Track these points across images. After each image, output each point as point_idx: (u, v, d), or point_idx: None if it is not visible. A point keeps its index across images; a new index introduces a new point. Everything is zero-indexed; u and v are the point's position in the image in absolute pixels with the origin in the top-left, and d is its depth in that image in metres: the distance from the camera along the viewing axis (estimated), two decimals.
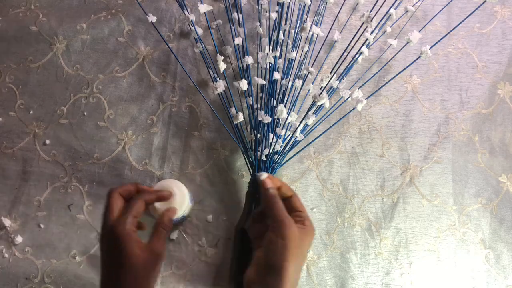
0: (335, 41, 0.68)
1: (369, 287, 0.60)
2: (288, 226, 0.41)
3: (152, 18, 0.58)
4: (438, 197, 0.63)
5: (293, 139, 0.56)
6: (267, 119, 0.49)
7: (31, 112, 0.68)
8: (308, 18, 0.65)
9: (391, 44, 0.60)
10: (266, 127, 0.54)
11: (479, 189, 0.63)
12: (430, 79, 0.68)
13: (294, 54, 0.60)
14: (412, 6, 0.67)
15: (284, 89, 0.58)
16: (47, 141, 0.66)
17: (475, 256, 0.61)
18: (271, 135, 0.54)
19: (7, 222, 0.62)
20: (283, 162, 0.59)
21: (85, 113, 0.67)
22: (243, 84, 0.52)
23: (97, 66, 0.70)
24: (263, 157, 0.54)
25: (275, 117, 0.53)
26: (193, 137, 0.66)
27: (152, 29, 0.71)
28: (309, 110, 0.57)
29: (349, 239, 0.61)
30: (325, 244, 0.61)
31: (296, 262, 0.40)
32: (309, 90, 0.63)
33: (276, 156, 0.55)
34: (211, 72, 0.63)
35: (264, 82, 0.55)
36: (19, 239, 0.62)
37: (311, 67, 0.59)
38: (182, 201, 0.55)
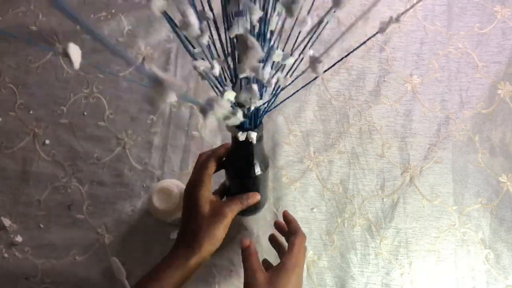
0: None
1: (369, 287, 0.59)
2: (249, 277, 0.47)
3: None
4: (438, 197, 0.63)
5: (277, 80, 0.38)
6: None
7: (31, 112, 0.68)
8: None
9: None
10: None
11: (479, 189, 0.63)
12: (430, 79, 0.68)
13: None
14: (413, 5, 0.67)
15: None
16: (47, 141, 0.66)
17: (475, 256, 0.61)
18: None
19: (7, 222, 0.62)
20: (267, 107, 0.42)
21: (85, 113, 0.67)
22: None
23: (97, 66, 0.70)
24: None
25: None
26: (193, 137, 0.66)
27: (152, 29, 0.71)
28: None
29: (349, 239, 0.61)
30: (325, 244, 0.61)
31: None
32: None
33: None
34: None
35: None
36: (19, 239, 0.62)
37: None
38: (181, 201, 0.55)
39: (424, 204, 0.63)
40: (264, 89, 0.35)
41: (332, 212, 0.62)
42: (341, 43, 0.70)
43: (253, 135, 0.39)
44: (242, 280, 0.59)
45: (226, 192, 0.54)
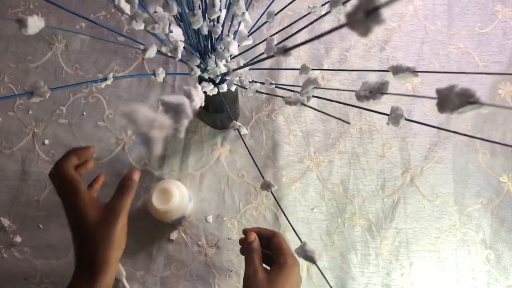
0: None
1: None
2: (251, 275, 0.45)
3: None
4: (439, 197, 0.63)
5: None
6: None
7: (30, 112, 0.68)
8: None
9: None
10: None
11: (480, 189, 0.63)
12: (431, 78, 0.68)
13: None
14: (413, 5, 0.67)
15: None
16: (46, 141, 0.66)
17: (476, 257, 0.60)
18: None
19: (6, 222, 0.62)
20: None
21: (84, 113, 0.67)
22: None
23: (96, 65, 0.69)
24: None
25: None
26: (192, 137, 0.65)
27: None
28: None
29: (350, 240, 0.61)
30: (325, 245, 0.61)
31: None
32: None
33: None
34: None
35: None
36: (18, 239, 0.61)
37: None
38: (181, 201, 0.55)
39: (425, 204, 0.62)
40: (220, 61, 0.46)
41: (333, 212, 0.62)
42: (340, 42, 0.69)
43: (214, 91, 0.48)
44: (241, 280, 0.58)
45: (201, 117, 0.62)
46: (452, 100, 0.25)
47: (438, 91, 0.25)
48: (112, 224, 0.39)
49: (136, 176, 0.45)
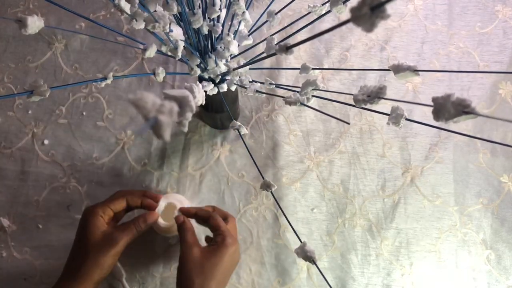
0: None
1: None
2: (185, 251, 0.46)
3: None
4: (439, 197, 0.63)
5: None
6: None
7: (30, 112, 0.67)
8: None
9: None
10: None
11: (481, 190, 0.63)
12: (431, 78, 0.68)
13: None
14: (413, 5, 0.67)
15: None
16: (46, 141, 0.66)
17: (476, 257, 0.60)
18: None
19: (5, 222, 0.62)
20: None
21: (84, 113, 0.67)
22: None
23: (96, 65, 0.69)
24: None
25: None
26: (192, 137, 0.65)
27: None
28: None
29: (350, 240, 0.61)
30: (325, 245, 0.61)
31: (203, 278, 0.44)
32: None
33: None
34: None
35: None
36: (17, 239, 0.61)
37: None
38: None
39: (425, 204, 0.62)
40: (220, 60, 0.46)
41: (333, 212, 0.62)
42: (341, 42, 0.69)
43: (214, 90, 0.48)
44: (241, 280, 0.58)
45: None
46: (448, 109, 0.25)
47: (434, 99, 0.25)
48: (106, 251, 0.45)
49: (151, 220, 0.50)
